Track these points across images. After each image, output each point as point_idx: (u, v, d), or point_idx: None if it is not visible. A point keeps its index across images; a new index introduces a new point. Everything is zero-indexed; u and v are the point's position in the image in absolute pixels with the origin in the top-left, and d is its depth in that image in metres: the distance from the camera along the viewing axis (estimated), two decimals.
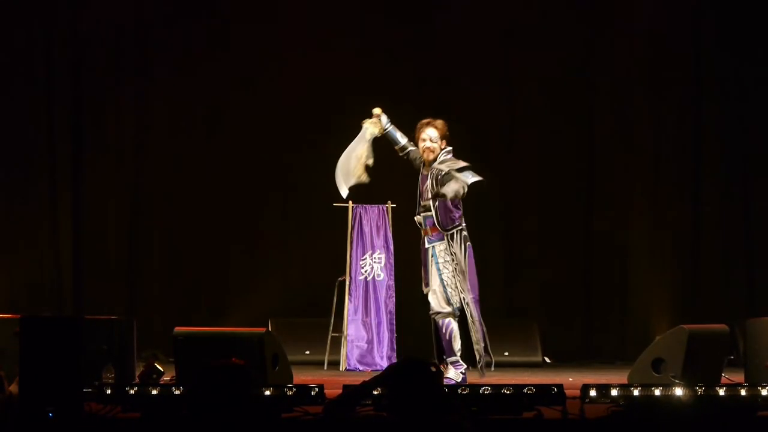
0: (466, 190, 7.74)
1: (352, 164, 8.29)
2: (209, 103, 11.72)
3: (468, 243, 7.87)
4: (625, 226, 11.90)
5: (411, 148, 8.13)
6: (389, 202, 10.19)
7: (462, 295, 7.77)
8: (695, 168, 11.89)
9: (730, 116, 11.85)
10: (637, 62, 11.95)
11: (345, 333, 9.98)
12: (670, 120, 11.94)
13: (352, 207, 10.14)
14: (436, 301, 7.83)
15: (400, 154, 8.19)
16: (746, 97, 11.83)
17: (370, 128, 8.21)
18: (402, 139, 8.15)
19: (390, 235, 10.11)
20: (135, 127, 11.78)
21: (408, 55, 11.78)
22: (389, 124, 8.17)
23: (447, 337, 7.79)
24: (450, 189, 7.71)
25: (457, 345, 7.76)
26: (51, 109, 11.60)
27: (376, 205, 10.19)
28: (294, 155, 11.62)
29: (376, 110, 8.21)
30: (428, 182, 7.89)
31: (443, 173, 7.81)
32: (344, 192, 8.44)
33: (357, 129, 11.18)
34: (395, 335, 10.01)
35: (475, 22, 11.89)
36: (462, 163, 7.87)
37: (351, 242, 10.11)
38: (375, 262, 10.10)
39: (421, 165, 8.02)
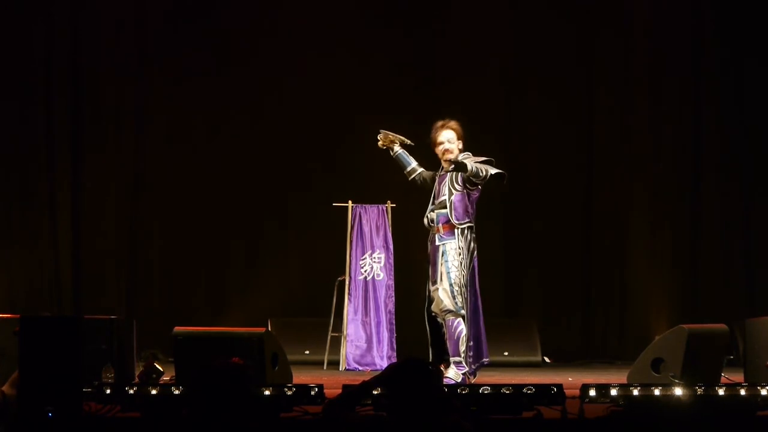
0: (485, 174, 7.74)
1: None
2: (209, 102, 11.71)
3: (474, 245, 7.88)
4: (624, 225, 11.90)
5: (420, 169, 8.14)
6: (389, 201, 10.19)
7: (465, 293, 7.79)
8: (695, 168, 11.89)
9: (730, 116, 11.86)
10: (637, 62, 11.95)
11: (345, 333, 9.98)
12: (670, 120, 11.94)
13: (352, 207, 10.15)
14: (448, 299, 7.82)
15: (410, 178, 8.19)
16: (746, 96, 11.84)
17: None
18: (412, 162, 8.16)
19: (390, 234, 10.11)
20: (134, 127, 11.78)
21: (408, 57, 11.78)
22: (399, 149, 8.17)
23: (455, 338, 7.79)
24: (470, 163, 7.73)
25: (463, 346, 7.77)
26: (51, 109, 11.59)
27: (376, 205, 10.19)
28: (294, 155, 11.63)
29: (379, 139, 8.20)
30: (446, 180, 7.90)
31: (462, 158, 7.84)
32: None
33: (355, 129, 11.26)
34: (395, 335, 10.01)
35: (475, 23, 11.90)
36: (483, 158, 7.90)
37: (350, 242, 10.11)
38: (374, 261, 10.10)
39: (438, 170, 8.02)
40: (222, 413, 4.09)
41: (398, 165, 8.25)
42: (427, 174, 8.13)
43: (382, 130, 8.23)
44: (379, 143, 8.22)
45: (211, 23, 11.78)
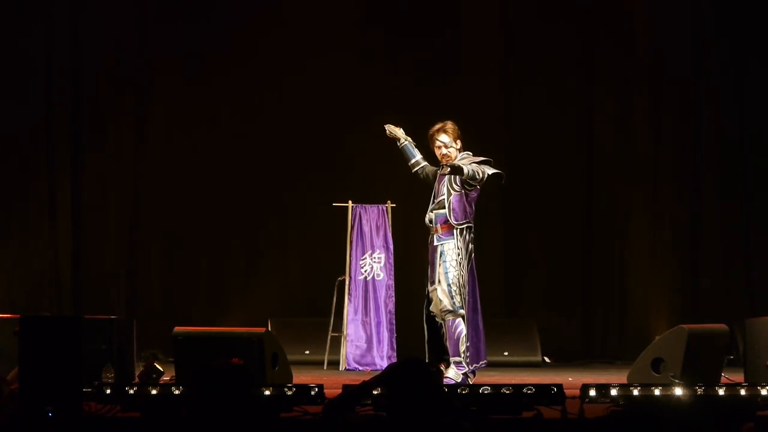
0: (482, 176, 7.75)
1: None
2: (209, 102, 11.71)
3: (472, 246, 7.88)
4: (624, 226, 11.90)
5: (424, 163, 8.14)
6: (389, 201, 10.19)
7: (464, 293, 7.79)
8: (695, 168, 11.89)
9: (730, 116, 11.86)
10: (637, 62, 11.95)
11: (345, 333, 9.98)
12: (670, 120, 11.94)
13: (352, 207, 10.15)
14: (446, 300, 7.81)
15: (413, 170, 8.18)
16: (746, 96, 11.83)
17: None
18: (417, 155, 8.16)
19: (390, 234, 10.11)
20: (134, 127, 11.78)
21: (408, 57, 11.77)
22: (405, 140, 8.17)
23: (455, 338, 7.79)
24: (466, 167, 7.73)
25: (463, 347, 7.77)
26: (51, 109, 11.60)
27: (376, 205, 10.19)
28: (294, 155, 11.63)
29: (389, 129, 8.20)
30: (444, 180, 7.90)
31: (460, 159, 7.85)
32: None
33: (355, 129, 11.28)
34: (395, 335, 10.01)
35: (475, 22, 11.90)
36: (481, 158, 7.91)
37: (351, 242, 10.11)
38: (375, 261, 10.10)
39: (438, 169, 8.02)
40: (222, 413, 4.09)
41: (403, 157, 8.24)
42: (430, 169, 8.13)
43: (387, 125, 8.24)
44: (387, 133, 8.23)
45: (211, 23, 11.78)
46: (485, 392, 6.17)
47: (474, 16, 11.90)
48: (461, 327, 7.78)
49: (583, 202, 12.01)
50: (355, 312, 10.05)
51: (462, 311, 7.79)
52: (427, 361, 7.75)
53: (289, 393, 6.17)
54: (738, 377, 7.91)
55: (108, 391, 6.24)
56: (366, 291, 10.08)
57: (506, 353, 10.67)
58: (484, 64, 11.94)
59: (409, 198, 9.91)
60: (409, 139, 8.20)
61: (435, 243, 7.94)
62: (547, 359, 11.07)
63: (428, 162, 8.18)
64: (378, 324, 10.02)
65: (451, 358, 7.81)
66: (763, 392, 6.30)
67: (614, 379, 7.60)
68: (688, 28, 11.93)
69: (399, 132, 8.19)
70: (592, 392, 6.21)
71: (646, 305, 11.69)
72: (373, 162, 11.08)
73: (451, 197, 7.87)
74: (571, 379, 8.51)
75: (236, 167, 11.65)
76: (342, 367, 9.92)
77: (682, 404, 6.19)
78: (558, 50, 11.89)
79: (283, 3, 11.85)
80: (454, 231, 7.86)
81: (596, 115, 12.02)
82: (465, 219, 7.88)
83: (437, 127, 7.99)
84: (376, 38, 11.81)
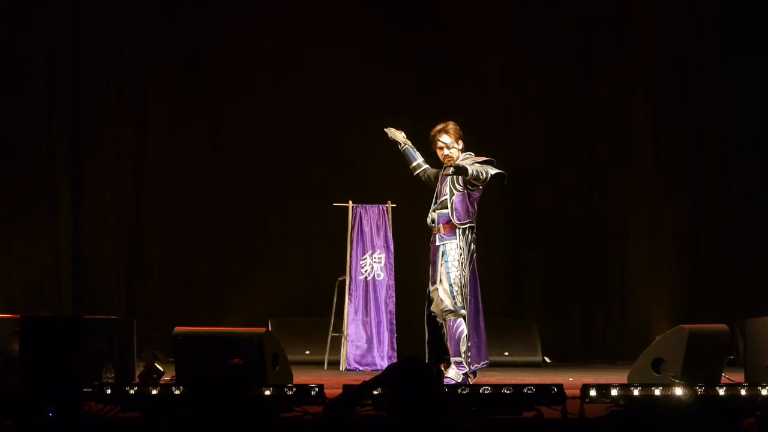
0: (486, 176, 7.76)
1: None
2: (209, 102, 11.71)
3: (474, 246, 7.88)
4: (625, 226, 11.90)
5: (425, 166, 8.15)
6: (389, 201, 10.18)
7: (466, 293, 7.79)
8: (695, 168, 11.89)
9: (729, 116, 11.86)
10: (637, 62, 11.95)
11: (345, 333, 9.97)
12: (670, 120, 11.94)
13: (352, 207, 10.14)
14: (448, 299, 7.82)
15: (415, 173, 8.20)
16: (746, 96, 11.84)
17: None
18: (418, 158, 8.17)
19: (390, 234, 10.11)
20: (135, 127, 11.78)
21: (408, 57, 11.77)
22: (406, 144, 8.18)
23: (455, 338, 7.79)
24: (470, 167, 7.73)
25: (464, 347, 7.77)
26: (51, 109, 11.59)
27: (376, 205, 10.18)
28: (294, 155, 11.63)
29: (389, 132, 8.22)
30: (447, 180, 7.91)
31: (462, 160, 7.86)
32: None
33: (355, 129, 11.29)
34: (395, 335, 10.01)
35: (475, 22, 11.90)
36: (484, 158, 7.91)
37: (351, 242, 10.10)
38: (375, 261, 10.10)
39: (440, 170, 8.04)
40: (222, 414, 4.09)
41: (405, 160, 8.26)
42: (432, 171, 8.14)
43: (388, 128, 8.26)
44: (389, 136, 8.25)
45: (211, 23, 11.78)
46: (485, 392, 6.17)
47: (474, 16, 11.90)
48: (462, 327, 7.78)
49: (583, 202, 12.01)
50: (356, 312, 10.04)
51: (463, 311, 7.79)
52: (427, 361, 7.76)
53: (290, 393, 6.17)
54: (738, 377, 7.91)
55: (108, 391, 6.24)
56: (366, 291, 10.07)
57: (506, 353, 10.67)
58: (484, 64, 11.94)
59: (410, 198, 9.92)
60: (409, 142, 8.22)
61: (437, 243, 7.94)
62: (547, 359, 11.07)
63: (429, 164, 8.19)
64: (378, 324, 10.02)
65: (451, 358, 7.81)
66: (763, 392, 6.30)
67: (614, 379, 7.61)
68: (688, 28, 11.93)
69: (399, 136, 8.20)
70: (593, 392, 6.21)
71: (646, 305, 11.69)
72: (373, 162, 11.08)
73: (454, 197, 7.88)
74: (571, 379, 8.51)
75: (236, 167, 11.65)
76: (342, 367, 9.92)
77: (682, 404, 6.19)
78: (558, 50, 11.89)
79: (283, 3, 11.86)
80: (457, 231, 7.87)
81: (596, 115, 12.02)
82: (467, 219, 7.89)
83: (439, 127, 7.99)
84: (376, 38, 11.80)
